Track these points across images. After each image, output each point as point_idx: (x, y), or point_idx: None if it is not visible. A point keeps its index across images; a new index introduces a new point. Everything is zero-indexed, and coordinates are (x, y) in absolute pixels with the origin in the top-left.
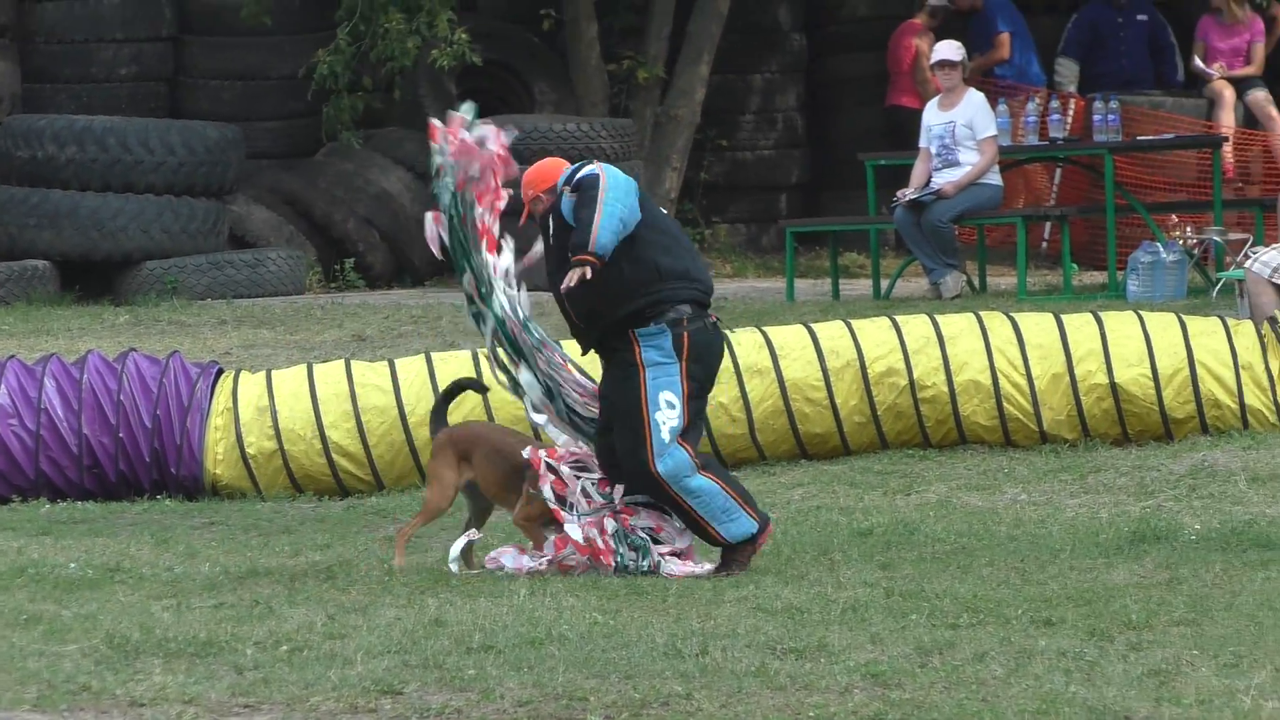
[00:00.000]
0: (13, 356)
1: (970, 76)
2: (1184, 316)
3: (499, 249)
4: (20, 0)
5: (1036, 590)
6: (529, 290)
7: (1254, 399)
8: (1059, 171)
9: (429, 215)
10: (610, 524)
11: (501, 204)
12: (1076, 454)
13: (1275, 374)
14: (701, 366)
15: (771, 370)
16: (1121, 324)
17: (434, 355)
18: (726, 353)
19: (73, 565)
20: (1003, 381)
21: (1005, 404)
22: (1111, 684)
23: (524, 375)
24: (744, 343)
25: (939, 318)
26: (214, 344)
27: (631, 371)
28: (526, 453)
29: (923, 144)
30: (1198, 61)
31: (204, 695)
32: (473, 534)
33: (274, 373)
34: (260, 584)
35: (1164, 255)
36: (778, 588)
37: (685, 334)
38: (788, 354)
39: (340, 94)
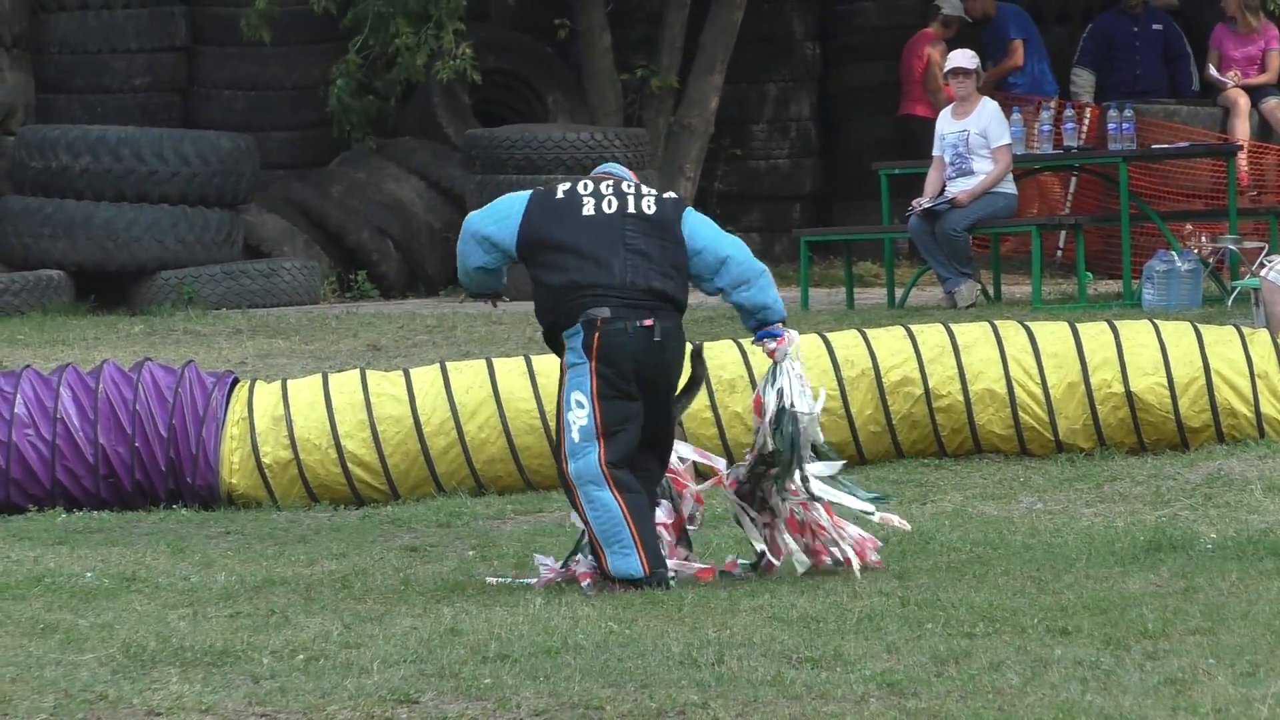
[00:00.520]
0: (28, 366)
1: (984, 86)
2: (1199, 325)
3: None
4: (34, 11)
5: (1052, 599)
6: None
7: (1270, 408)
8: (1073, 180)
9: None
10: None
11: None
12: (1092, 463)
13: None
14: (611, 368)
15: None
16: (1137, 333)
17: (449, 364)
18: (741, 361)
19: (89, 574)
20: (1018, 390)
21: (1021, 413)
22: (1128, 693)
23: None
24: (758, 351)
25: (954, 327)
26: (229, 354)
27: (562, 375)
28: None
29: (936, 153)
30: (1212, 70)
31: (220, 704)
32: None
33: (289, 382)
34: (276, 593)
35: (1179, 264)
36: (793, 597)
37: (596, 334)
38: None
39: (351, 98)
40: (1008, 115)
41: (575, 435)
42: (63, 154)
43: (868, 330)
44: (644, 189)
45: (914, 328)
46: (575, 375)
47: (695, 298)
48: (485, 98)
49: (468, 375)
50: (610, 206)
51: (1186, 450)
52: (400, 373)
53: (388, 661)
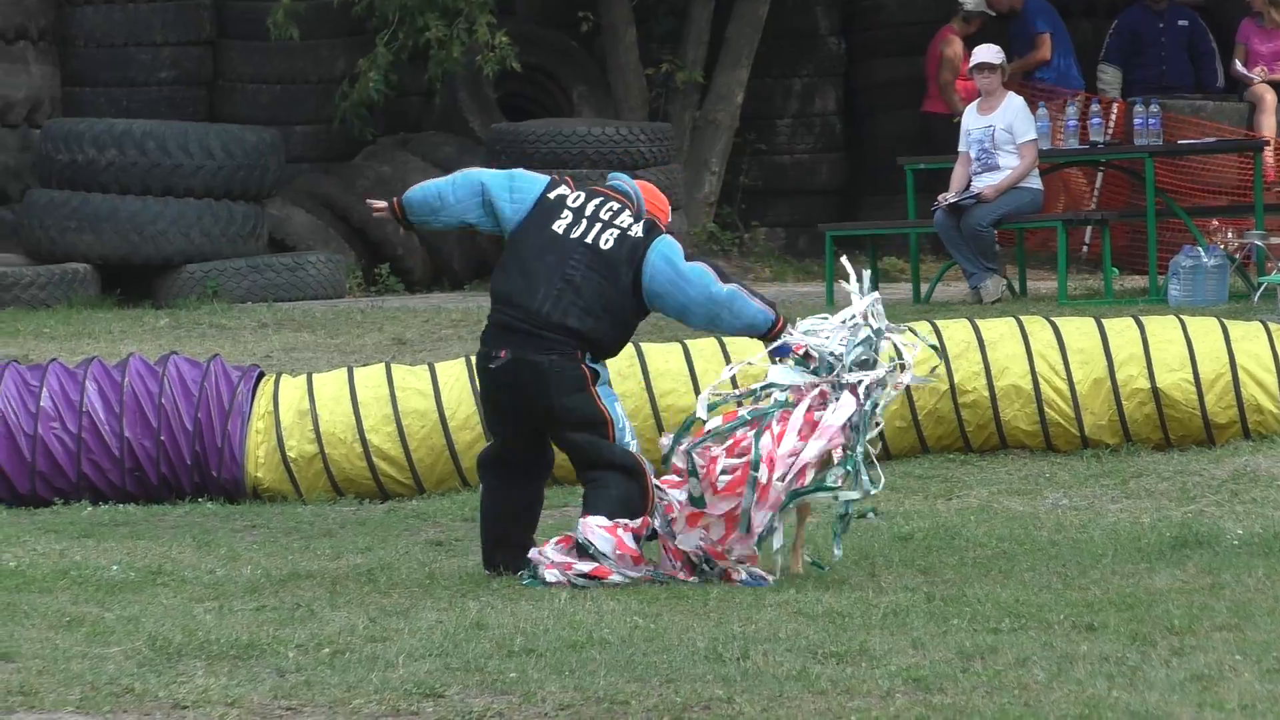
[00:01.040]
0: (54, 360)
1: (1011, 79)
2: (1226, 321)
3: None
4: (60, 4)
5: (1078, 595)
6: None
7: None
8: (1100, 176)
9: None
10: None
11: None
12: (1118, 459)
13: None
14: (479, 385)
15: None
16: (1163, 329)
17: (474, 359)
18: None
19: (115, 568)
20: (1044, 386)
21: (1046, 409)
22: (1154, 689)
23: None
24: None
25: (979, 322)
26: (254, 347)
27: None
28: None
29: (962, 148)
30: (1238, 65)
31: (246, 698)
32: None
33: (315, 376)
34: (302, 587)
35: (1205, 260)
36: (819, 592)
37: (477, 354)
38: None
39: (363, 87)
40: (1034, 110)
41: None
42: (88, 147)
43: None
44: (623, 218)
45: (939, 323)
46: None
47: None
48: (510, 92)
49: None
50: (575, 231)
51: (1212, 446)
52: (425, 367)
53: (413, 655)
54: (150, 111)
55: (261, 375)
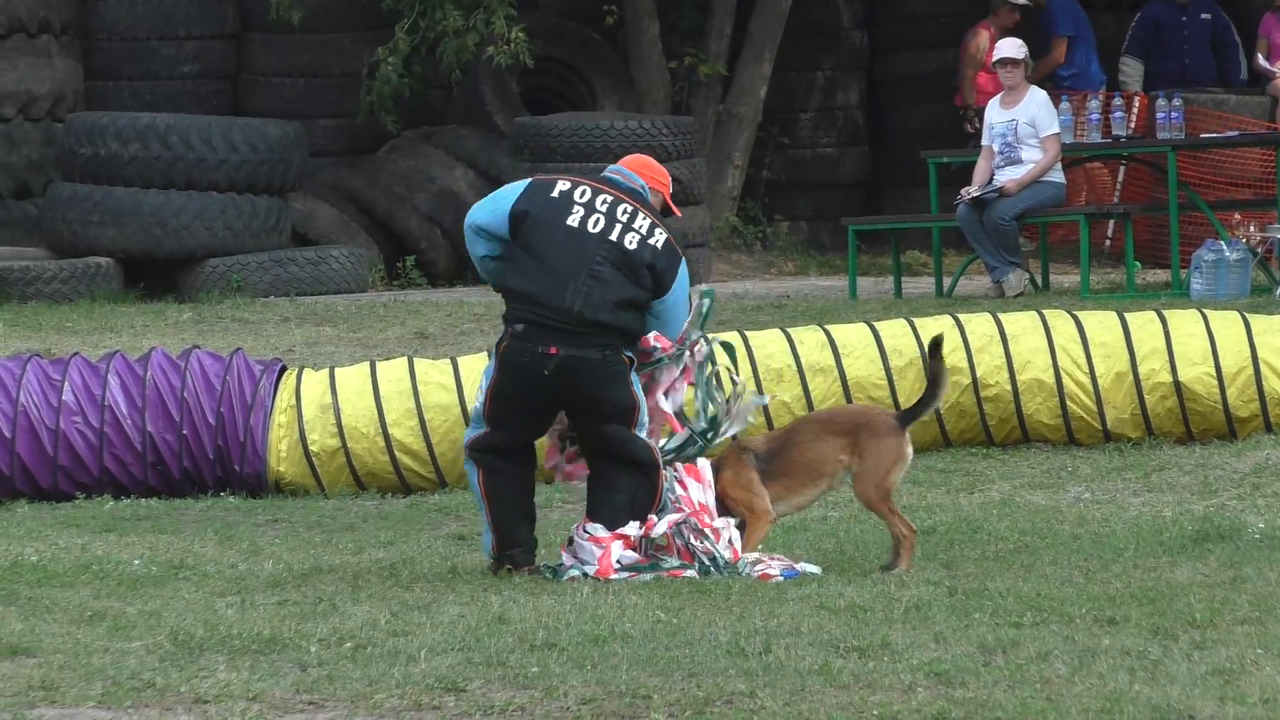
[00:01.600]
0: (77, 354)
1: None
2: (1248, 315)
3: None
4: None
5: (1100, 589)
6: None
7: None
8: (1122, 169)
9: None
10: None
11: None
12: (1140, 452)
13: None
14: (503, 378)
15: (834, 368)
16: (1185, 322)
17: (502, 351)
18: (789, 350)
19: (137, 562)
20: (1066, 380)
21: (1069, 402)
22: (1176, 683)
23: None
24: (806, 341)
25: (1002, 316)
26: (277, 341)
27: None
28: None
29: (985, 142)
30: (1260, 59)
31: (268, 692)
32: None
33: (337, 370)
34: (324, 581)
35: (1227, 253)
36: (841, 586)
37: (500, 347)
38: (850, 352)
39: (386, 76)
40: (1056, 104)
41: (473, 412)
42: (112, 141)
43: (915, 319)
44: (640, 222)
45: (962, 317)
46: (490, 362)
47: (738, 287)
48: (534, 85)
49: None
50: (595, 226)
51: (1234, 440)
52: (448, 361)
53: (435, 650)
54: (173, 105)
55: (284, 369)
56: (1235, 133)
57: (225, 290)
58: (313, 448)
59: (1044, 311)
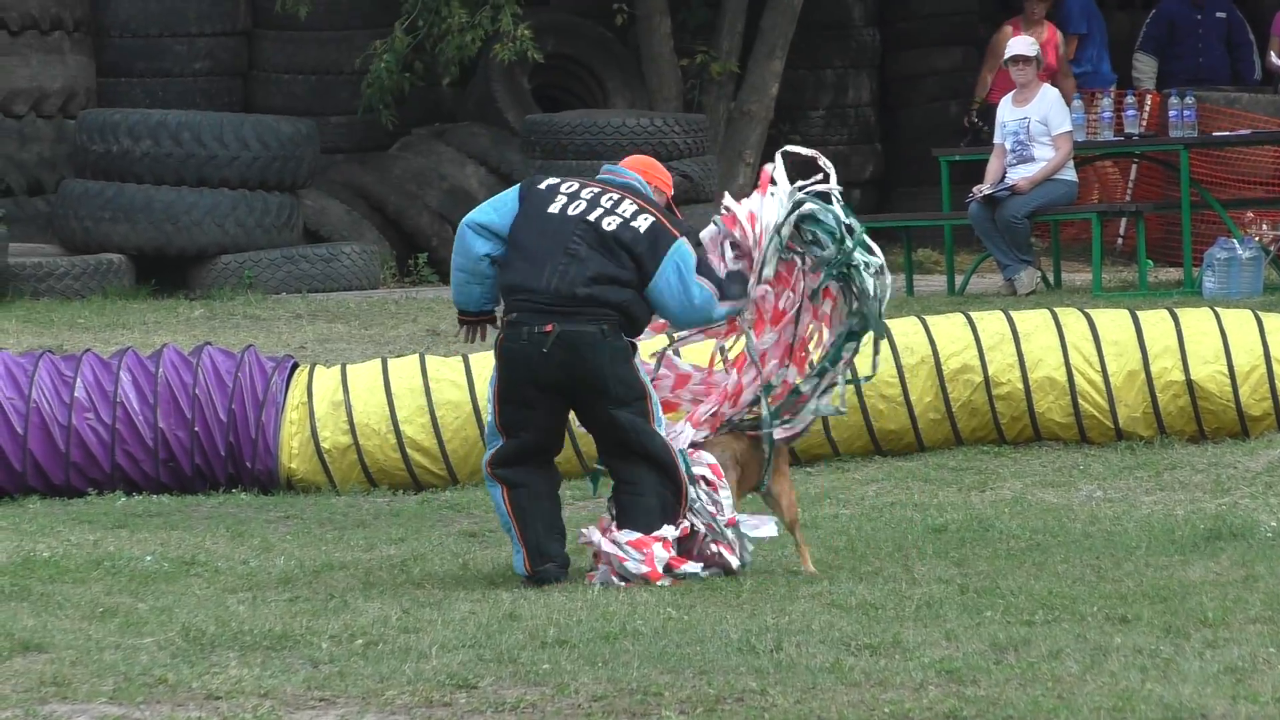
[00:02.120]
0: (89, 350)
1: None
2: (1260, 313)
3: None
4: None
5: (1112, 587)
6: None
7: None
8: (1134, 168)
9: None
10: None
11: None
12: (1152, 451)
13: None
14: (505, 371)
15: None
16: (1197, 320)
17: (500, 341)
18: None
19: (148, 558)
20: (1078, 378)
21: (1080, 401)
22: (1187, 681)
23: None
24: None
25: (1014, 314)
26: (289, 338)
27: None
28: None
29: (997, 139)
30: (1274, 58)
31: (279, 688)
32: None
33: (349, 367)
34: (335, 578)
35: (1240, 252)
36: (852, 584)
37: (500, 339)
38: (862, 350)
39: (379, 72)
40: (1068, 103)
41: (487, 427)
42: (123, 138)
43: (927, 317)
44: (625, 207)
45: (974, 315)
46: (494, 374)
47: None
48: (545, 82)
49: None
50: (575, 209)
51: (1247, 438)
52: (459, 358)
53: (446, 646)
54: (185, 102)
55: (296, 366)
56: (1248, 131)
57: (237, 287)
58: (324, 444)
59: (1056, 310)
